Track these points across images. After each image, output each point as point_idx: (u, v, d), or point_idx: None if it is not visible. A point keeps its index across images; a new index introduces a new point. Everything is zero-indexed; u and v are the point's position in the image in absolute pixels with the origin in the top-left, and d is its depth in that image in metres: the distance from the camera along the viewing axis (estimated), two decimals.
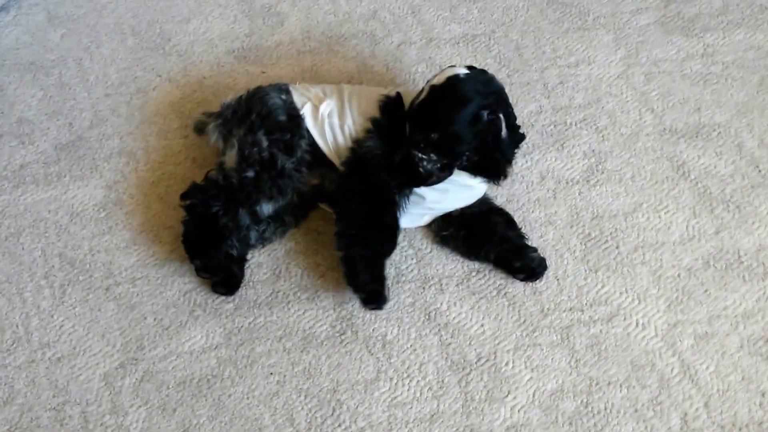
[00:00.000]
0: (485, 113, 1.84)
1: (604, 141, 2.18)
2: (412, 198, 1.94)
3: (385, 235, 1.90)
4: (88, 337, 1.91)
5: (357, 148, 1.94)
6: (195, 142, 2.20)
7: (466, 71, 1.86)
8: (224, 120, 2.02)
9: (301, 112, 1.99)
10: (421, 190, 1.92)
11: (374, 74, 2.34)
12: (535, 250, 1.97)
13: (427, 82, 1.89)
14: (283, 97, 2.01)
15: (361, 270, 1.86)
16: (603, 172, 2.13)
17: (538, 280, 1.95)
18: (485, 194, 2.04)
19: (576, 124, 2.21)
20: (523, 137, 1.97)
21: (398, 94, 2.00)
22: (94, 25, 2.49)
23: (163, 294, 1.97)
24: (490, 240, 1.97)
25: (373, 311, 1.89)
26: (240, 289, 1.96)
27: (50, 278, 2.00)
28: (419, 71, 2.32)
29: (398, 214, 1.92)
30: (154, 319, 1.93)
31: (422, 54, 2.37)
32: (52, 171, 2.18)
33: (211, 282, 1.96)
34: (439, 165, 1.84)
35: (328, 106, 1.98)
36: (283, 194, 1.94)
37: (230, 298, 1.95)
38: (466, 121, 1.81)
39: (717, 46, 2.35)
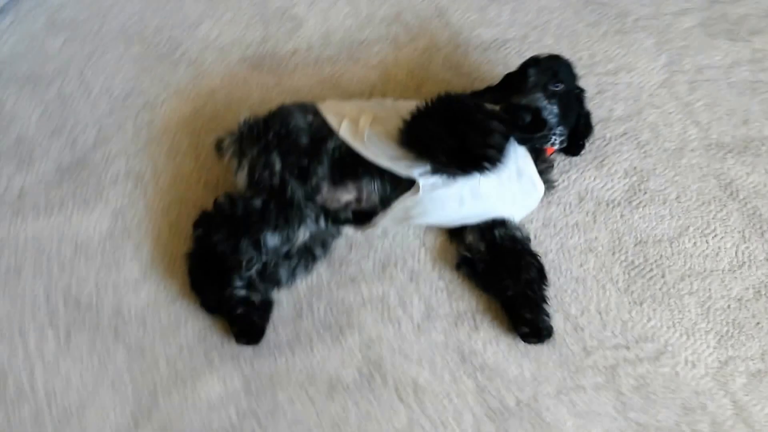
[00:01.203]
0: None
1: (647, 157, 1.60)
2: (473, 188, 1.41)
3: None
4: (96, 386, 1.39)
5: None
6: (207, 163, 1.61)
7: None
8: (240, 136, 1.46)
9: (339, 132, 1.41)
10: (488, 186, 1.38)
11: (398, 83, 1.71)
12: (548, 314, 1.42)
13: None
14: (309, 118, 1.45)
15: None
16: (646, 193, 1.56)
17: (539, 342, 1.40)
18: (525, 234, 1.48)
19: (616, 139, 1.62)
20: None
21: None
22: (97, 31, 1.82)
23: (177, 336, 1.44)
24: (515, 277, 1.42)
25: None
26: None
27: (54, 320, 1.46)
28: (445, 79, 1.70)
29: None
30: (168, 365, 1.41)
31: (449, 61, 1.73)
32: (54, 196, 1.59)
33: (231, 329, 1.41)
34: (556, 120, 1.38)
35: (368, 118, 1.42)
36: (290, 225, 1.39)
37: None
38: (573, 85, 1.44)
39: (766, 52, 1.73)
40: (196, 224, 1.46)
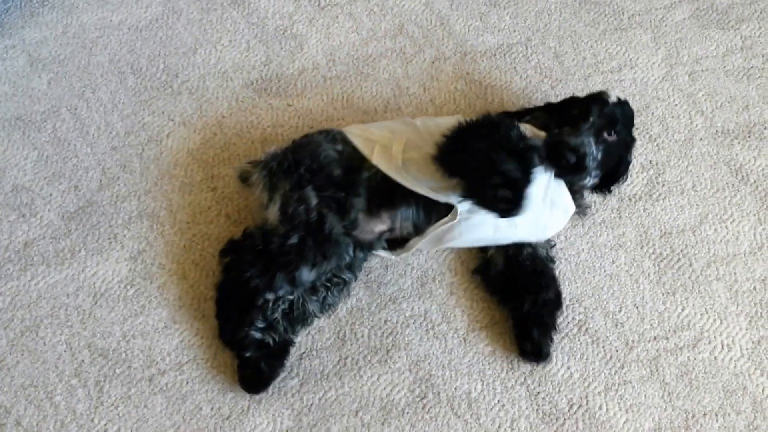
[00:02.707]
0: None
1: (660, 150, 1.74)
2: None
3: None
4: None
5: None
6: (225, 194, 1.64)
7: None
8: (269, 171, 1.50)
9: (373, 160, 1.47)
10: (524, 217, 1.42)
11: (411, 97, 1.79)
12: (552, 340, 1.50)
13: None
14: (339, 147, 1.50)
15: None
16: (664, 185, 1.70)
17: (534, 363, 1.48)
18: (550, 255, 1.57)
19: None
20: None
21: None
22: (85, 66, 1.81)
23: (217, 377, 1.46)
24: (535, 296, 1.50)
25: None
26: (304, 360, 1.48)
27: (82, 375, 1.46)
28: (458, 89, 1.79)
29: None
30: (211, 409, 1.44)
31: (459, 70, 1.83)
32: (64, 246, 1.58)
33: (237, 371, 1.44)
34: (595, 164, 1.46)
35: (401, 143, 1.48)
36: (328, 260, 1.44)
37: (294, 373, 1.47)
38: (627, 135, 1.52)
39: (754, 38, 1.90)
40: (224, 252, 1.50)
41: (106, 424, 1.41)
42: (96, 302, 1.53)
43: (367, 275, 1.57)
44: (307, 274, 1.45)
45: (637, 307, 1.58)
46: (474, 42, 1.88)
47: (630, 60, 1.86)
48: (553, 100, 1.69)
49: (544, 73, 1.84)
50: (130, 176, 1.67)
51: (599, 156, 1.48)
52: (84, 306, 1.53)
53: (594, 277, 1.60)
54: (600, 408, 1.47)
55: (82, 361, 1.47)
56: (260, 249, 1.45)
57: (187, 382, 1.46)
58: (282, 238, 1.44)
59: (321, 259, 1.44)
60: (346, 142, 1.51)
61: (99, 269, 1.56)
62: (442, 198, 1.46)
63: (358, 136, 1.52)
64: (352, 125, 1.57)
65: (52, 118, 1.74)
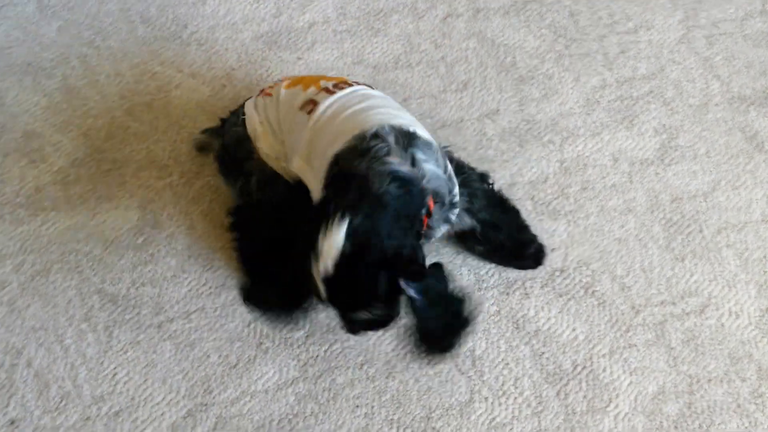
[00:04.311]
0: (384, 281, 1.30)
1: (674, 114, 1.78)
2: None
3: None
4: (146, 384, 1.46)
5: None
6: None
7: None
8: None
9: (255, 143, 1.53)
10: None
11: (422, 53, 1.83)
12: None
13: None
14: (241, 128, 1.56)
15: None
16: (677, 150, 1.74)
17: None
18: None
19: (643, 98, 1.79)
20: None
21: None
22: (95, 14, 1.88)
23: (225, 327, 1.53)
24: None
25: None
26: (310, 313, 1.51)
27: (92, 320, 1.52)
28: (470, 47, 1.83)
29: None
30: (219, 357, 1.50)
31: (471, 27, 1.87)
32: (74, 192, 1.65)
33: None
34: (380, 312, 1.36)
35: (300, 161, 1.48)
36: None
37: (300, 325, 1.51)
38: (377, 292, 1.31)
39: None
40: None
41: (115, 368, 1.48)
42: (106, 249, 1.60)
43: None
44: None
45: (644, 272, 1.62)
46: None
47: (646, 21, 1.89)
48: (567, 60, 1.74)
49: (559, 32, 1.87)
50: (139, 125, 1.73)
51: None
52: (94, 252, 1.59)
53: (602, 240, 1.64)
54: (604, 370, 1.52)
55: (92, 306, 1.54)
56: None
57: (196, 330, 1.52)
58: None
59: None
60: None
61: (108, 217, 1.63)
62: None
63: (252, 115, 1.53)
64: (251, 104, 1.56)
65: (62, 65, 1.80)
